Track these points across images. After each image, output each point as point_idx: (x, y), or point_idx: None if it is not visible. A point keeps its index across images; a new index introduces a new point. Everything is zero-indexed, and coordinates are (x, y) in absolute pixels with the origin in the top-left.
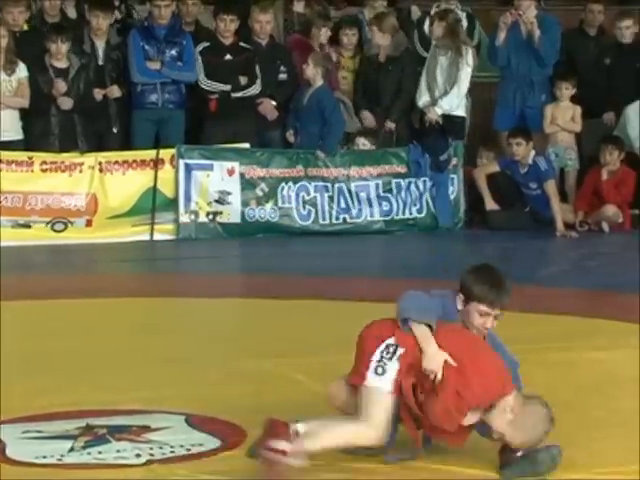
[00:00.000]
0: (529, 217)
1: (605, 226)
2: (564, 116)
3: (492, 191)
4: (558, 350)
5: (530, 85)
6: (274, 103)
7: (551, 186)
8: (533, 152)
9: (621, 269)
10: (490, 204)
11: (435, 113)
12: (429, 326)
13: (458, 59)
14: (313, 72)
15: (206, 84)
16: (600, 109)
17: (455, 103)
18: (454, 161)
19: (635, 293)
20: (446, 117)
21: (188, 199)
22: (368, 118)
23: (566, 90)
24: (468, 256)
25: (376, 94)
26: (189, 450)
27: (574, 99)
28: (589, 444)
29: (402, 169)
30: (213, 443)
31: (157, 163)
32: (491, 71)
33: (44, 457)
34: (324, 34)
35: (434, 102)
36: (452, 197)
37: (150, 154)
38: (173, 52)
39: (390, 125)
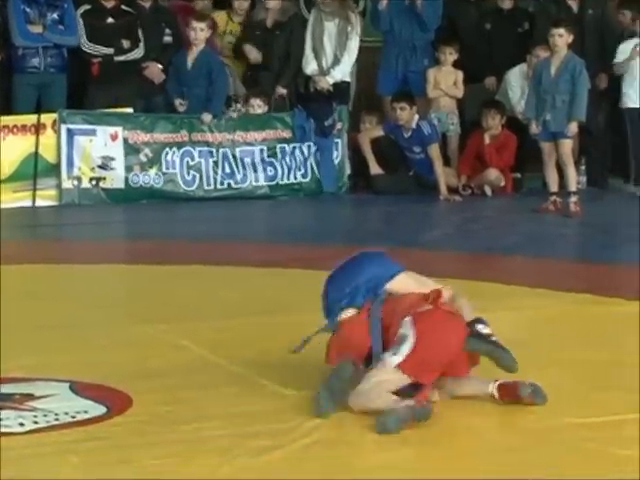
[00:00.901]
0: (413, 181)
1: (487, 190)
2: (446, 81)
3: (376, 155)
4: None
5: (413, 50)
6: (160, 67)
7: (435, 150)
8: (417, 116)
9: (503, 232)
10: (374, 168)
11: (327, 82)
12: None
13: (347, 27)
14: (201, 35)
15: (88, 47)
16: (481, 74)
17: (347, 72)
18: (339, 126)
19: (516, 255)
20: (332, 83)
21: (71, 165)
22: None
23: (450, 55)
24: (352, 220)
25: (264, 59)
26: (74, 417)
27: (456, 64)
28: (480, 409)
29: (287, 134)
30: (98, 410)
31: (38, 128)
32: (374, 36)
33: None
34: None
35: (324, 71)
36: (337, 162)
37: (31, 119)
38: (54, 15)
39: (282, 91)
